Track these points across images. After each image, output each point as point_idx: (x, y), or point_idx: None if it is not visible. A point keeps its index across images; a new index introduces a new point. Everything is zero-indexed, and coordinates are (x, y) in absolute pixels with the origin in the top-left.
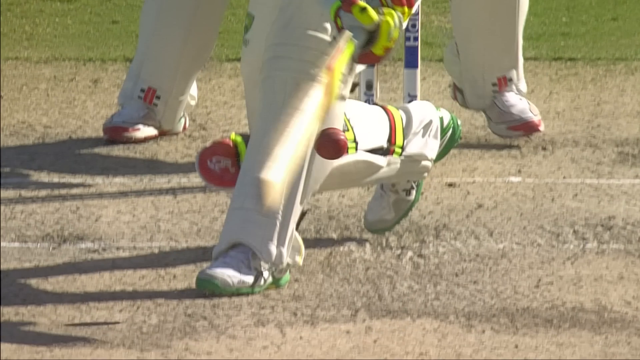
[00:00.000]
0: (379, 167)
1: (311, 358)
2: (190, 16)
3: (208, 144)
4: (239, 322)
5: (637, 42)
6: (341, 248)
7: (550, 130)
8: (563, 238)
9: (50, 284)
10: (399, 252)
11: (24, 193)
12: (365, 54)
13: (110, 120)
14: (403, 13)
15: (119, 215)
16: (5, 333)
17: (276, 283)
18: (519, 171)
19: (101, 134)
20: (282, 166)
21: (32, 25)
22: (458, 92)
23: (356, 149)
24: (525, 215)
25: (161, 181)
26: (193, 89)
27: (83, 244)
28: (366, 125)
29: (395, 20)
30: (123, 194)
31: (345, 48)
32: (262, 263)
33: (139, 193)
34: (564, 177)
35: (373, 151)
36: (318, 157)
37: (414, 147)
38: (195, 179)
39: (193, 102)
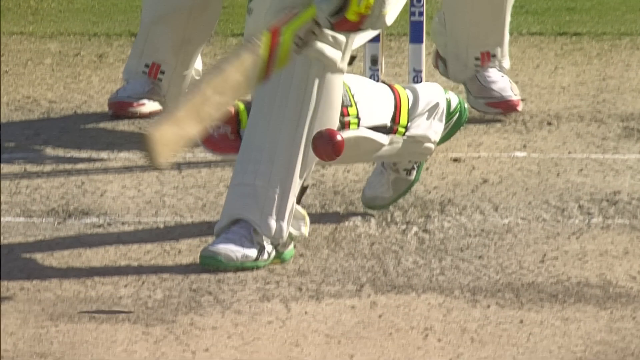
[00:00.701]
0: (381, 145)
1: (316, 333)
2: None
3: None
4: (244, 297)
5: None
6: (346, 223)
7: (556, 105)
8: (568, 213)
9: (55, 259)
10: (404, 227)
11: (29, 168)
12: (340, 21)
13: (116, 95)
14: None
15: (124, 190)
16: (10, 308)
17: (280, 257)
18: (524, 146)
19: (106, 109)
20: (166, 121)
21: (37, 0)
22: (440, 61)
23: (358, 125)
24: (531, 190)
25: None
26: (198, 64)
27: (88, 218)
28: (371, 102)
29: None
30: (128, 169)
31: (302, 12)
32: (264, 237)
33: (144, 168)
34: (569, 152)
35: (376, 129)
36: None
37: (418, 128)
38: (200, 154)
39: (198, 77)
